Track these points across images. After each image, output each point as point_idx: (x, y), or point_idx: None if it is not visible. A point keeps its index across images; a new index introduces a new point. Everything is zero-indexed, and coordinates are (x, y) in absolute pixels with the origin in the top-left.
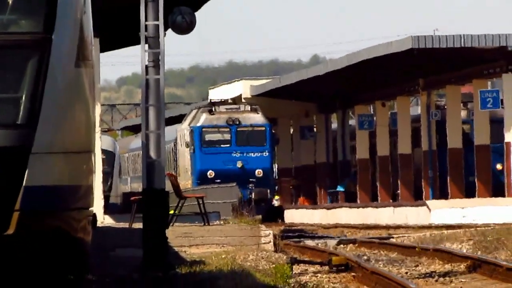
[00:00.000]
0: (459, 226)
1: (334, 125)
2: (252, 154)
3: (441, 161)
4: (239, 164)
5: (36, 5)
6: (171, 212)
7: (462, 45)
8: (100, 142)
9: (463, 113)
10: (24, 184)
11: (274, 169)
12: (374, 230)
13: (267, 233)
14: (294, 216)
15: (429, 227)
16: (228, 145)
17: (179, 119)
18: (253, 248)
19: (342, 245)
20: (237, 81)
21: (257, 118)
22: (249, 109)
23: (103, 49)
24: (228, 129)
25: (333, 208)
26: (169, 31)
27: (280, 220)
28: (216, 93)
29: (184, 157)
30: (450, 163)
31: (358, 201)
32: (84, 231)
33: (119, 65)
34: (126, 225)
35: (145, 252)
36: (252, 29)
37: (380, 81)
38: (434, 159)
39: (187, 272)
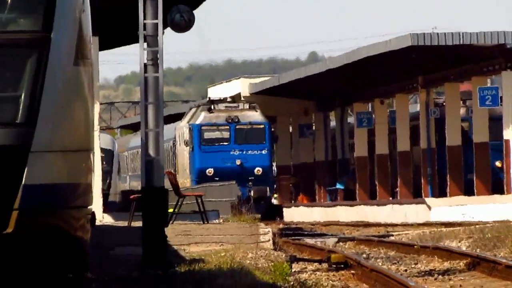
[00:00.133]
0: (458, 224)
1: (333, 123)
2: (251, 152)
3: (440, 159)
4: (238, 162)
5: (35, 3)
6: (170, 210)
7: (461, 43)
8: (99, 140)
9: (462, 111)
10: (23, 182)
11: (273, 167)
12: (373, 228)
13: (266, 231)
14: (293, 214)
15: (428, 224)
16: (227, 143)
17: (178, 117)
18: (252, 246)
19: (341, 243)
20: (236, 79)
21: (256, 116)
22: (248, 107)
23: (102, 47)
24: (227, 127)
25: (332, 206)
26: (168, 29)
27: (279, 218)
28: (215, 91)
29: (183, 155)
30: (449, 161)
31: (357, 199)
32: (83, 230)
33: (117, 64)
34: (125, 223)
35: (145, 250)
36: (251, 27)
37: (378, 79)
38: (433, 157)
39: (187, 270)
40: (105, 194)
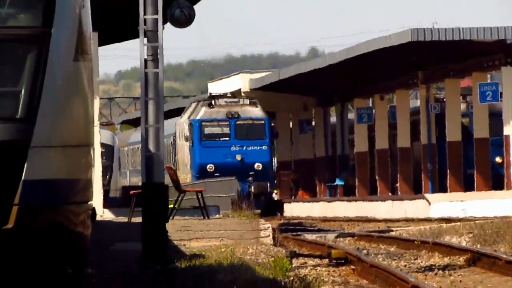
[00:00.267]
0: (458, 219)
1: (333, 119)
2: (252, 147)
3: (440, 155)
4: (238, 158)
5: None
6: (171, 206)
7: (461, 38)
8: (99, 136)
9: (462, 106)
10: (23, 178)
11: (273, 163)
12: (373, 224)
13: (266, 227)
14: (293, 209)
15: (428, 220)
16: (227, 139)
17: (178, 112)
18: (252, 242)
19: (341, 239)
20: (236, 74)
21: (256, 111)
22: (248, 102)
23: (102, 42)
24: (227, 123)
25: (332, 202)
26: (168, 24)
27: (279, 214)
28: (215, 87)
29: (183, 150)
30: (449, 157)
31: (357, 194)
32: (84, 225)
33: (118, 58)
34: (126, 219)
35: (145, 246)
36: (251, 23)
37: (379, 74)
38: (433, 153)
39: (187, 265)
40: (106, 190)
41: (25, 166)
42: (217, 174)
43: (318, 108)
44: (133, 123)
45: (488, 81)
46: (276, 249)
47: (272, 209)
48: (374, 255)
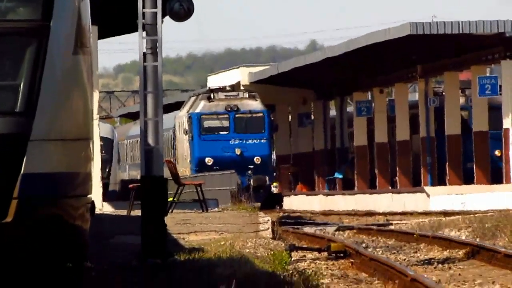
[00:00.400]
0: (457, 213)
1: (332, 112)
2: (251, 141)
3: (439, 148)
4: (237, 151)
5: None
6: (170, 199)
7: (460, 32)
8: (99, 129)
9: (462, 100)
10: (22, 171)
11: (272, 156)
12: (372, 217)
13: (266, 220)
14: (293, 203)
15: (428, 213)
16: (226, 132)
17: (177, 106)
18: (251, 235)
19: (340, 232)
20: (236, 68)
21: (256, 105)
22: (248, 96)
23: (102, 36)
24: (227, 116)
25: (331, 195)
26: (167, 18)
27: (278, 207)
28: (215, 80)
29: (183, 144)
30: (449, 150)
31: (356, 188)
32: (83, 219)
33: (117, 52)
34: (125, 212)
35: (144, 239)
36: (250, 16)
37: (378, 67)
38: (433, 146)
39: (186, 259)
40: (105, 183)
41: (24, 159)
42: (216, 167)
43: (317, 102)
44: (132, 116)
45: (488, 74)
46: (275, 243)
47: (271, 203)
48: (373, 248)
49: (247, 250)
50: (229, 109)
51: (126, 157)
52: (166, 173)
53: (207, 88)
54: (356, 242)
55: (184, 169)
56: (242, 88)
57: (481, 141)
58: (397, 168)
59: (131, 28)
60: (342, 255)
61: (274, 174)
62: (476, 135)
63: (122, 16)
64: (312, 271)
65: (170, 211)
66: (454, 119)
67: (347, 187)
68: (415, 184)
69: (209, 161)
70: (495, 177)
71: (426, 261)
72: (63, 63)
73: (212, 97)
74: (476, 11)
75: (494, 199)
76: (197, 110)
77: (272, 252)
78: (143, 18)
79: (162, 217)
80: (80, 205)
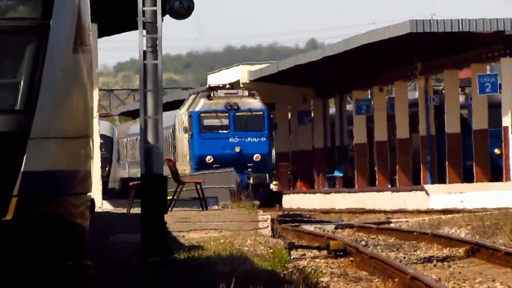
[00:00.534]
0: (457, 211)
1: (332, 110)
2: (250, 139)
3: (439, 146)
4: (237, 149)
5: None
6: (170, 197)
7: (460, 30)
8: (99, 127)
9: (461, 98)
10: (22, 169)
11: (272, 154)
12: (372, 215)
13: (265, 218)
14: (292, 201)
15: (428, 212)
16: (226, 130)
17: (177, 104)
18: (251, 233)
19: (340, 230)
20: (235, 66)
21: (255, 103)
22: (247, 94)
23: (101, 34)
24: (227, 114)
25: (331, 193)
26: (167, 16)
27: (278, 205)
28: (214, 78)
29: (183, 142)
30: (448, 148)
31: (356, 186)
32: (82, 217)
33: (117, 50)
34: (125, 210)
35: (144, 237)
36: (250, 14)
37: (377, 65)
38: (432, 144)
39: (186, 257)
40: (105, 181)
41: (24, 157)
42: (216, 165)
43: (317, 100)
44: (132, 114)
45: (487, 72)
46: (274, 241)
47: (270, 201)
48: (373, 246)
49: (247, 248)
50: (229, 107)
51: (126, 155)
52: (166, 171)
53: (207, 86)
54: (355, 240)
55: (184, 167)
56: (241, 86)
57: (481, 139)
58: (397, 166)
59: (131, 26)
60: (341, 253)
61: (274, 172)
62: (476, 133)
63: (122, 14)
64: (312, 269)
65: (170, 209)
66: (454, 117)
67: (347, 185)
68: (415, 182)
69: (209, 159)
70: (495, 175)
71: (426, 259)
72: (63, 61)
73: (212, 95)
74: (476, 10)
75: (494, 197)
76: (197, 108)
77: (271, 250)
78: (143, 16)
79: (162, 215)
80: (80, 203)
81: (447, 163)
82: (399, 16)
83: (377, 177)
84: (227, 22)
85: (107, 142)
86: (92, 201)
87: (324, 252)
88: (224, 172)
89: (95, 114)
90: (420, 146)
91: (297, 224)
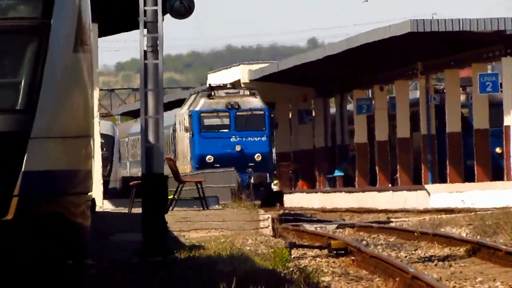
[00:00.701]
0: (458, 210)
1: (332, 110)
2: (251, 138)
3: (440, 145)
4: (238, 149)
5: None
6: (170, 196)
7: (461, 29)
8: (99, 127)
9: (462, 97)
10: (23, 169)
11: (273, 154)
12: (373, 215)
13: (266, 218)
14: (293, 200)
15: (428, 211)
16: (227, 130)
17: (178, 104)
18: (252, 233)
19: (340, 230)
20: (236, 65)
21: (256, 102)
22: (248, 93)
23: (102, 34)
24: (227, 114)
25: (331, 193)
26: (168, 16)
27: (279, 205)
28: (215, 78)
29: (183, 141)
30: (449, 147)
31: (357, 185)
32: (83, 216)
33: (117, 50)
34: (125, 210)
35: (144, 237)
36: (251, 14)
37: (378, 65)
38: (433, 143)
39: (186, 256)
40: (106, 181)
41: (25, 157)
42: (217, 165)
43: (317, 99)
44: (133, 114)
45: (488, 71)
46: (275, 240)
47: (271, 200)
48: (374, 246)
49: (247, 248)
50: (230, 107)
51: (127, 154)
52: (167, 171)
53: (208, 85)
54: (356, 240)
55: (185, 166)
56: (242, 85)
57: (482, 139)
58: (398, 166)
59: (131, 25)
60: (342, 252)
61: (275, 171)
62: (477, 132)
63: (123, 13)
64: (313, 268)
65: (170, 208)
66: (454, 117)
67: (348, 184)
68: (416, 182)
69: (209, 158)
70: (496, 174)
71: (427, 259)
72: (63, 61)
73: (212, 94)
74: (476, 10)
75: (495, 197)
76: (198, 108)
77: (272, 250)
78: (144, 15)
79: (162, 215)
80: (80, 202)
81: (448, 163)
82: (399, 16)
83: (378, 177)
84: (227, 22)
85: (108, 142)
86: (93, 200)
87: (325, 251)
88: (225, 171)
89: (96, 113)
90: (421, 145)
91: (298, 223)
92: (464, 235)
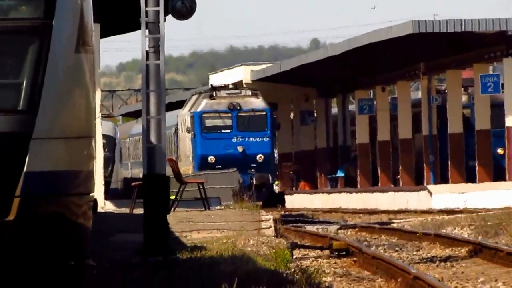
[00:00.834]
0: (460, 211)
1: (334, 110)
2: (253, 139)
3: (442, 146)
4: (240, 149)
5: None
6: (172, 197)
7: (462, 30)
8: (101, 127)
9: (464, 98)
10: (24, 169)
11: (274, 154)
12: (374, 215)
13: (268, 218)
14: (295, 201)
15: (430, 212)
16: (229, 130)
17: (180, 104)
18: (253, 233)
19: (342, 230)
20: (238, 66)
21: (258, 103)
22: (250, 94)
23: (104, 34)
24: (229, 114)
25: (333, 193)
26: (169, 16)
27: (280, 205)
28: (217, 79)
29: (185, 142)
30: (451, 148)
31: (359, 186)
32: (85, 217)
33: (119, 50)
34: (127, 210)
35: (146, 237)
36: (252, 14)
37: (380, 65)
38: (435, 144)
39: (188, 257)
40: (107, 181)
41: (27, 158)
42: (218, 165)
43: (319, 100)
44: (135, 115)
45: (490, 72)
46: (277, 241)
47: (273, 201)
48: (375, 246)
49: (249, 248)
50: (232, 108)
51: (129, 155)
52: (169, 172)
53: (210, 86)
54: (358, 240)
55: (187, 167)
56: (244, 86)
57: (484, 139)
58: (400, 166)
59: (133, 26)
60: (344, 253)
61: (276, 172)
62: (479, 133)
63: (125, 14)
64: (315, 269)
65: (172, 209)
66: (456, 117)
67: (350, 185)
68: (418, 182)
69: (211, 159)
70: (498, 175)
71: (429, 259)
72: (65, 62)
73: (214, 95)
74: (476, 10)
75: (497, 197)
76: (200, 109)
77: (274, 250)
78: (146, 16)
79: (164, 215)
80: (82, 203)
81: (449, 163)
82: (400, 17)
83: (379, 177)
84: (227, 22)
85: (110, 143)
86: (95, 201)
87: (327, 252)
88: (227, 172)
89: (98, 114)
90: (423, 146)
91: (299, 224)
92: (465, 235)
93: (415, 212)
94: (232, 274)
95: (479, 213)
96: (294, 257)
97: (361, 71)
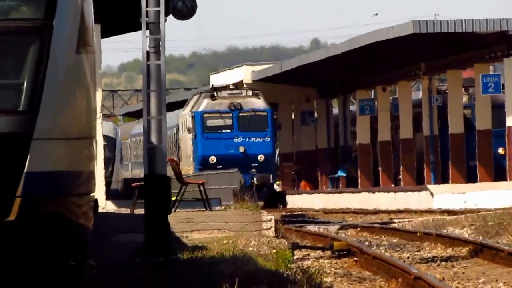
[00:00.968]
0: (461, 211)
1: (335, 110)
2: (254, 139)
3: (442, 146)
4: (241, 149)
5: None
6: (173, 198)
7: (463, 30)
8: (102, 128)
9: (465, 98)
10: (25, 170)
11: (276, 154)
12: (375, 215)
13: (269, 219)
14: (295, 201)
15: (431, 212)
16: (230, 130)
17: (181, 104)
18: (254, 234)
19: (343, 230)
20: (239, 66)
21: (259, 103)
22: (251, 94)
23: (104, 35)
24: (230, 114)
25: (334, 193)
26: (170, 16)
27: (281, 206)
28: (218, 79)
29: (186, 142)
30: (452, 148)
31: (360, 186)
32: (86, 217)
33: (120, 51)
34: (128, 211)
35: (147, 237)
36: (253, 14)
37: (381, 66)
38: (436, 144)
39: (189, 257)
40: (108, 182)
41: (28, 158)
42: (219, 166)
43: (320, 100)
44: (136, 115)
45: (491, 72)
46: (278, 241)
47: (274, 201)
48: (376, 246)
49: (250, 249)
50: (233, 108)
51: (130, 155)
52: (169, 172)
53: (210, 86)
54: (359, 241)
55: (188, 167)
56: (245, 86)
57: (485, 139)
58: (401, 166)
59: (134, 26)
60: (345, 253)
61: (277, 172)
62: (480, 133)
63: (125, 14)
64: (316, 269)
65: (173, 209)
66: (457, 117)
67: (351, 185)
68: (419, 182)
69: (212, 159)
70: (498, 175)
71: (430, 259)
72: (66, 62)
73: (215, 95)
74: (476, 10)
75: (498, 197)
76: (200, 109)
77: (275, 251)
78: (146, 16)
79: (165, 216)
80: (83, 203)
81: (450, 163)
82: (400, 17)
83: (380, 177)
84: (227, 22)
85: (110, 143)
86: (96, 201)
87: (328, 252)
88: (228, 172)
89: (98, 114)
90: (424, 146)
91: (300, 224)
92: (466, 235)
93: (416, 212)
94: (233, 274)
95: (480, 213)
96: (295, 257)
97: (362, 71)
